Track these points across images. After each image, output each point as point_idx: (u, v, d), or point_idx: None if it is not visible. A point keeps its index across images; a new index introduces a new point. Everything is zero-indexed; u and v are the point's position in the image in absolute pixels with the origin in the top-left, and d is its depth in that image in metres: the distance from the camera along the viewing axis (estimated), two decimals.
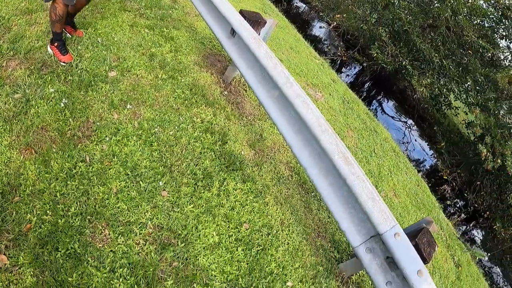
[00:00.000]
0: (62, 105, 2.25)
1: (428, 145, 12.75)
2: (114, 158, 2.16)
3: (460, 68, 9.13)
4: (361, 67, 12.71)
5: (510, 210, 9.57)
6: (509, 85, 8.83)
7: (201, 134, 2.71)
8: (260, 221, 2.43)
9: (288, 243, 2.46)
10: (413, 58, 9.54)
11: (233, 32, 2.92)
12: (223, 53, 3.83)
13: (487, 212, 10.26)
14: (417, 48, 9.24)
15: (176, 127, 2.61)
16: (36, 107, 2.17)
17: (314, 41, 8.63)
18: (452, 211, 9.37)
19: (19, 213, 1.75)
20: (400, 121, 13.21)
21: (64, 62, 2.60)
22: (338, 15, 10.89)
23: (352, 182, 2.05)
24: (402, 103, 14.05)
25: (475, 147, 8.79)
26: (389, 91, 13.79)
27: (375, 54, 9.49)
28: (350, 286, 2.64)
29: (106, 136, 2.23)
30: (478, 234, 11.46)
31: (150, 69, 2.94)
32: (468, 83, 8.90)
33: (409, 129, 12.65)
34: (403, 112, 13.76)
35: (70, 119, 2.21)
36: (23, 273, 1.59)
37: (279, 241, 2.41)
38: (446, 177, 9.74)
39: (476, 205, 10.23)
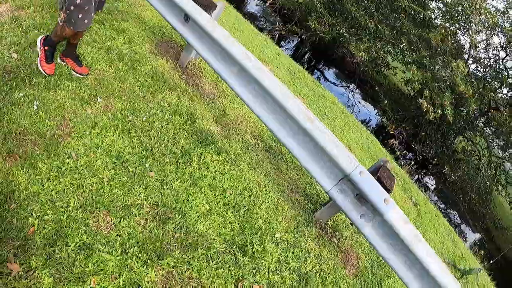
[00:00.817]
0: (35, 107, 2.29)
1: (372, 105, 13.64)
2: (98, 149, 2.27)
3: (395, 31, 9.80)
4: (299, 39, 13.10)
5: (455, 154, 10.66)
6: (441, 42, 9.59)
7: (170, 116, 2.87)
8: (240, 185, 2.68)
9: (268, 201, 2.75)
10: (349, 25, 10.04)
11: (186, 18, 3.06)
12: (175, 39, 3.94)
13: (435, 159, 11.34)
14: (352, 16, 9.74)
15: (147, 113, 2.75)
16: (9, 113, 2.19)
17: (252, 19, 8.80)
18: (402, 162, 10.20)
19: (19, 219, 1.78)
20: (343, 86, 13.92)
21: (49, 74, 2.55)
22: None
23: (318, 136, 2.36)
24: (342, 70, 14.75)
25: (416, 101, 9.60)
26: (329, 59, 14.36)
27: (313, 25, 9.90)
28: (328, 230, 3.01)
29: (85, 131, 2.32)
30: (430, 180, 12.64)
31: (110, 62, 3.00)
32: (403, 44, 9.52)
33: (352, 93, 13.41)
34: (345, 77, 14.49)
35: (46, 120, 2.26)
36: (38, 276, 1.64)
37: (260, 200, 2.69)
38: (392, 132, 10.51)
39: (423, 154, 11.26)
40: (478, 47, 10.07)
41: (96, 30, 3.25)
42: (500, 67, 10.11)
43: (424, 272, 2.41)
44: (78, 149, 2.22)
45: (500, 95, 10.33)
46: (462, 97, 8.65)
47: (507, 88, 9.74)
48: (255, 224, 2.48)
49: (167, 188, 2.31)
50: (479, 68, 10.76)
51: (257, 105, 2.70)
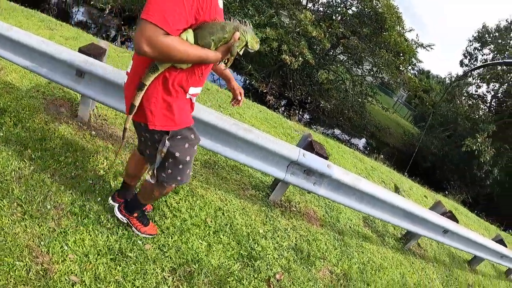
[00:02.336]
0: None
1: (239, 75, 14.40)
2: None
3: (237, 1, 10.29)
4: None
5: (323, 86, 12.17)
6: None
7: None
8: (211, 209, 2.89)
9: (236, 208, 3.07)
10: None
11: (81, 74, 2.92)
12: (61, 97, 3.66)
13: (309, 98, 12.87)
14: None
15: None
16: None
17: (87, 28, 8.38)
18: (288, 114, 11.31)
19: None
20: None
21: (149, 234, 2.35)
22: None
23: (259, 141, 2.74)
24: None
25: (278, 57, 10.56)
26: None
27: None
28: (284, 204, 3.54)
29: None
30: (312, 116, 14.29)
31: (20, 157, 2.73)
32: (249, 9, 10.08)
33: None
34: None
35: None
36: None
37: (231, 211, 2.99)
38: (265, 90, 11.44)
39: (298, 98, 12.63)
40: None
41: None
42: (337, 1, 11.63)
43: (370, 197, 3.19)
44: None
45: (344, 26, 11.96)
46: (316, 39, 9.87)
47: (348, 18, 11.38)
48: (242, 232, 2.81)
49: (169, 250, 2.41)
50: (320, 9, 12.24)
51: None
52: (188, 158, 1.89)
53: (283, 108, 11.86)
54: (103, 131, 3.40)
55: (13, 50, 2.98)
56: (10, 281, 1.80)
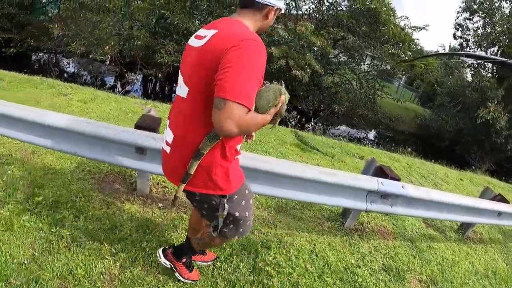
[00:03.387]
0: None
1: None
2: None
3: None
4: None
5: (330, 90, 12.26)
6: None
7: None
8: (307, 255, 3.08)
9: (328, 245, 3.24)
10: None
11: (142, 151, 2.73)
12: (110, 172, 3.57)
13: (321, 105, 13.05)
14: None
15: None
16: None
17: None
18: (300, 125, 11.41)
19: None
20: None
21: (193, 280, 2.37)
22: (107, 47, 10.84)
23: (342, 181, 2.89)
24: None
25: (286, 73, 10.71)
26: None
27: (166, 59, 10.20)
28: (358, 228, 3.72)
29: None
30: (327, 121, 14.44)
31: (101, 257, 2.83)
32: None
33: None
34: None
35: None
36: None
37: (327, 252, 3.15)
38: None
39: (311, 108, 12.81)
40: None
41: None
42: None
43: (439, 204, 3.47)
44: None
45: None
46: (320, 48, 10.04)
47: (345, 20, 11.60)
48: (340, 268, 2.97)
49: None
50: (315, 15, 12.44)
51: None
52: (247, 214, 1.90)
53: (296, 120, 12.00)
54: (169, 201, 3.28)
55: (51, 136, 2.77)
56: None
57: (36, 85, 6.85)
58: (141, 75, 12.75)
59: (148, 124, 2.76)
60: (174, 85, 14.50)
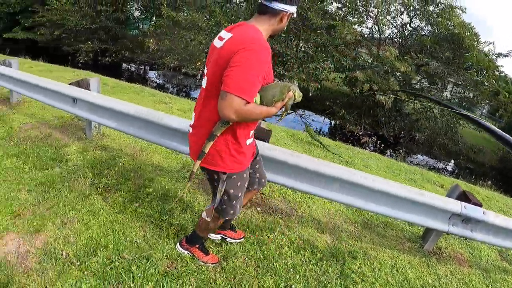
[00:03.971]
0: None
1: (330, 119, 14.56)
2: None
3: (318, 48, 10.61)
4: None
5: (411, 117, 12.08)
6: (356, 42, 10.82)
7: None
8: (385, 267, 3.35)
9: (412, 265, 3.46)
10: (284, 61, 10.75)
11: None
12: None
13: (402, 132, 12.79)
14: (283, 53, 10.43)
15: None
16: None
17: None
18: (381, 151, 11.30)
19: None
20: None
21: (212, 263, 2.70)
22: (199, 62, 11.86)
23: (429, 201, 3.11)
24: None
25: (369, 98, 10.75)
26: None
27: None
28: (436, 251, 3.83)
29: None
30: (408, 149, 13.96)
31: None
32: (334, 55, 10.19)
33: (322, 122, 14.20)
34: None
35: None
36: None
37: (411, 271, 3.38)
38: (359, 132, 11.38)
39: (392, 135, 12.68)
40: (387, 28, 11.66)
41: None
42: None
43: None
44: None
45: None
46: (404, 74, 10.02)
47: (428, 46, 11.48)
48: (417, 286, 3.15)
49: None
50: (398, 40, 12.43)
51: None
52: (239, 194, 2.22)
53: (375, 146, 11.91)
54: (269, 207, 3.80)
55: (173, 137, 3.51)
56: None
57: (137, 92, 7.78)
58: None
59: (260, 136, 3.24)
60: None
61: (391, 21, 12.41)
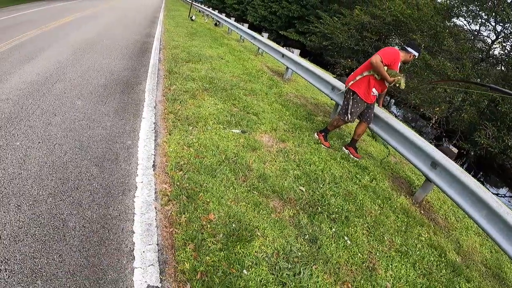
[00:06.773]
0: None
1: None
2: None
3: None
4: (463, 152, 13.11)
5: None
6: None
7: (427, 250, 3.55)
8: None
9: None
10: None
11: (434, 165, 4.06)
12: (403, 176, 5.04)
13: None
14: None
15: (418, 250, 3.49)
16: None
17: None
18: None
19: None
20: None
21: (328, 146, 5.21)
22: (437, 108, 11.95)
23: None
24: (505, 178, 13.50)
25: None
26: (492, 169, 13.54)
27: (482, 141, 10.22)
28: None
29: None
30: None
31: (372, 200, 4.06)
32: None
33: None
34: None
35: None
36: None
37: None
38: None
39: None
40: None
41: (346, 167, 4.61)
42: None
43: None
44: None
45: None
46: None
47: None
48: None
49: None
50: None
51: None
52: (353, 110, 4.88)
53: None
54: (429, 214, 4.33)
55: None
56: None
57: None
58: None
59: (446, 152, 4.17)
60: (481, 173, 13.75)
61: None
